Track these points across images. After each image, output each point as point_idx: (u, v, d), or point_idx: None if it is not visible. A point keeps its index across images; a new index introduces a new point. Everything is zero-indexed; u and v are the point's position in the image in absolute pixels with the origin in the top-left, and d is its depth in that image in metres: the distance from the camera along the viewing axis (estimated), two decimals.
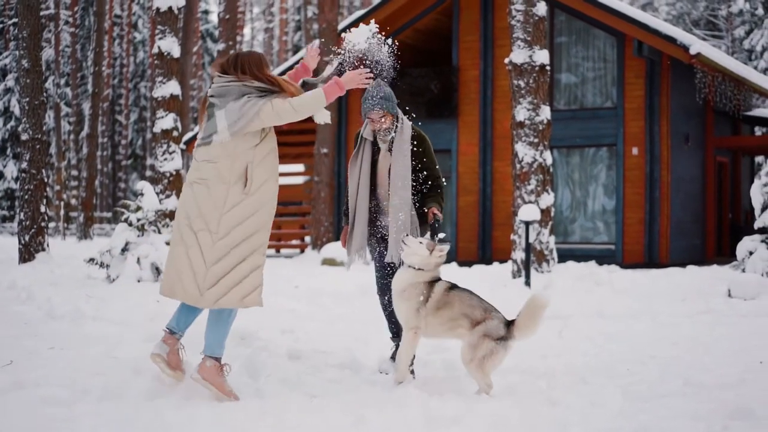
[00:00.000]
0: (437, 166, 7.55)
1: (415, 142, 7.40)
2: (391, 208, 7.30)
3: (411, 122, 7.52)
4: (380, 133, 7.37)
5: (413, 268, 6.77)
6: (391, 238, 7.27)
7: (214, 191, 6.22)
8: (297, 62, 26.26)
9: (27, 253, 16.79)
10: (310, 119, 21.87)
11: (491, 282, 14.64)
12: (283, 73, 23.36)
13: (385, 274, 7.56)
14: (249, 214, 6.24)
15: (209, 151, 6.31)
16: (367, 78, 6.44)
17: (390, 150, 7.37)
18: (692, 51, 20.71)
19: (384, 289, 7.55)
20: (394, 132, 7.34)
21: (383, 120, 7.30)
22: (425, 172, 7.45)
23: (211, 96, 6.39)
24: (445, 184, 7.60)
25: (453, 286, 6.80)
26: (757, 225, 14.91)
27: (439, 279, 6.84)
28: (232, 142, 6.25)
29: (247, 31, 79.47)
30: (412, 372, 7.28)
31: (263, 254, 6.36)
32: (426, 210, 7.40)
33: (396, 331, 7.49)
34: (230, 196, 6.21)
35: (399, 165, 7.29)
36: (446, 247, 6.79)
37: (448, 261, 22.24)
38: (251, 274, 6.27)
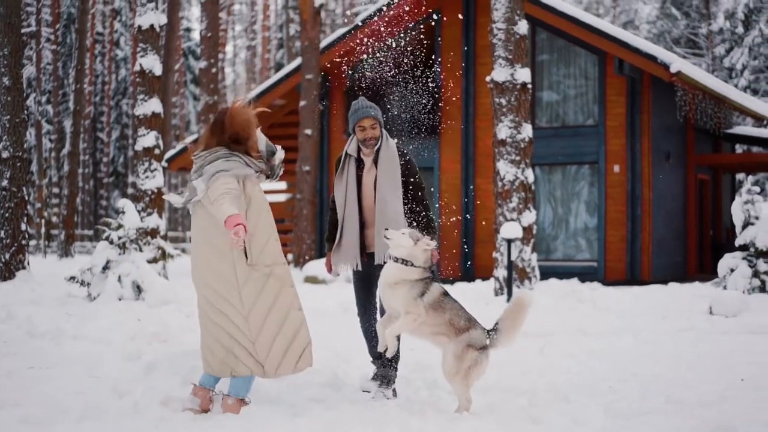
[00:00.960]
0: (424, 186, 7.55)
1: (403, 161, 7.43)
2: (377, 210, 7.32)
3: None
4: (366, 144, 7.35)
5: (401, 261, 6.66)
6: (377, 238, 7.28)
7: (223, 270, 6.22)
8: (279, 81, 26.29)
9: (7, 272, 16.69)
10: (293, 137, 21.57)
11: (473, 299, 14.62)
12: (270, 88, 22.90)
13: (367, 291, 7.55)
14: (264, 278, 6.25)
15: (206, 232, 6.32)
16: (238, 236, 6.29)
17: (375, 162, 7.39)
18: (673, 69, 20.81)
19: (365, 307, 7.53)
20: (380, 145, 7.36)
21: (374, 128, 7.33)
22: (414, 191, 7.46)
23: (191, 179, 6.43)
24: (429, 200, 7.60)
25: (446, 293, 6.75)
26: (738, 242, 14.97)
27: (432, 278, 6.72)
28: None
29: (229, 48, 79.47)
30: (394, 390, 7.27)
31: (299, 308, 6.40)
32: None
33: (376, 354, 7.43)
34: (239, 272, 6.20)
35: (385, 174, 7.32)
36: (432, 243, 6.68)
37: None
38: (297, 336, 6.33)
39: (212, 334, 6.30)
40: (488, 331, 6.63)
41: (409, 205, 7.46)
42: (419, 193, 7.48)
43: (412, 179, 7.45)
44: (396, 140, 7.58)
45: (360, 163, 7.51)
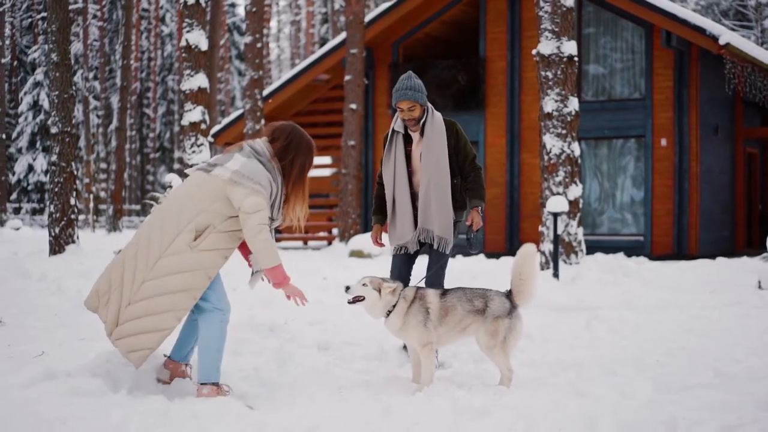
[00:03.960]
0: (473, 151, 7.58)
1: (450, 133, 7.49)
2: (421, 189, 7.43)
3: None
4: (407, 124, 7.43)
5: (387, 313, 6.54)
6: (431, 227, 7.40)
7: (167, 232, 5.97)
8: (324, 55, 26.27)
9: (57, 246, 16.90)
10: (338, 112, 21.64)
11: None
12: (315, 63, 22.93)
13: (407, 265, 7.61)
14: (186, 269, 5.92)
15: (191, 190, 6.08)
16: (302, 302, 6.16)
17: (422, 135, 7.44)
18: (721, 41, 20.54)
19: (401, 279, 7.51)
20: (425, 120, 7.40)
21: (412, 110, 7.35)
22: (462, 158, 7.51)
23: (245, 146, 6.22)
24: (480, 165, 7.61)
25: (444, 292, 6.72)
26: None
27: (417, 294, 6.63)
28: (213, 201, 6.00)
29: (273, 24, 79.62)
30: (439, 361, 7.30)
31: (177, 319, 5.95)
32: (468, 209, 7.48)
33: None
34: (176, 243, 5.94)
35: (432, 149, 7.37)
36: (394, 285, 6.56)
37: (475, 253, 22.27)
38: (149, 333, 5.93)
39: (110, 268, 6.07)
40: (506, 293, 6.66)
41: (460, 175, 7.51)
42: (468, 161, 7.53)
43: (460, 148, 7.49)
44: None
45: (408, 139, 7.58)
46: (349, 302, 6.54)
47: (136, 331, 5.94)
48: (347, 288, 6.49)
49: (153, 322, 5.91)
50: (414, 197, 7.52)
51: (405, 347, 7.67)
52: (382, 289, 6.48)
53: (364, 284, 6.50)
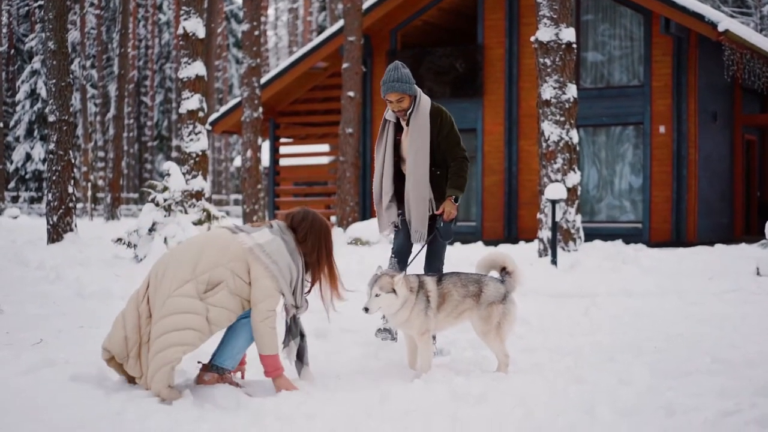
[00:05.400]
0: (458, 140, 7.57)
1: (432, 117, 7.49)
2: (407, 177, 7.50)
3: (429, 98, 7.60)
4: (400, 114, 7.46)
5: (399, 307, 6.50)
6: (410, 218, 7.48)
7: (180, 271, 5.81)
8: (321, 43, 26.21)
9: (55, 234, 16.92)
10: (336, 99, 21.73)
11: (517, 261, 14.58)
12: (312, 50, 22.98)
13: (406, 241, 7.65)
14: (193, 311, 5.71)
15: (214, 242, 5.96)
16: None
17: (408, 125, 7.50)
18: (720, 28, 20.51)
19: (400, 253, 7.57)
20: (412, 109, 7.43)
21: (401, 102, 7.39)
22: (444, 147, 7.51)
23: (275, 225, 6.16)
24: (466, 155, 7.60)
25: (439, 278, 6.74)
26: None
27: (419, 282, 6.61)
28: (232, 260, 5.88)
29: (271, 11, 79.50)
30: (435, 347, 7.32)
31: (183, 352, 5.66)
32: (446, 198, 7.48)
33: None
34: (186, 287, 5.76)
35: (414, 140, 7.44)
36: (401, 274, 6.51)
37: (474, 240, 22.27)
38: (161, 369, 5.60)
39: (130, 318, 5.81)
40: (500, 279, 6.72)
41: (444, 164, 7.55)
42: (450, 149, 7.53)
43: (443, 137, 7.49)
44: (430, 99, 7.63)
45: (400, 127, 7.65)
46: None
47: (153, 370, 5.64)
48: (366, 309, 6.39)
49: (159, 358, 5.62)
50: (400, 185, 7.63)
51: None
52: (395, 286, 6.40)
53: (377, 294, 6.41)
